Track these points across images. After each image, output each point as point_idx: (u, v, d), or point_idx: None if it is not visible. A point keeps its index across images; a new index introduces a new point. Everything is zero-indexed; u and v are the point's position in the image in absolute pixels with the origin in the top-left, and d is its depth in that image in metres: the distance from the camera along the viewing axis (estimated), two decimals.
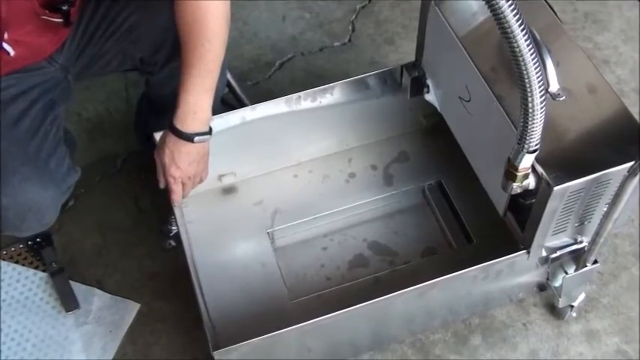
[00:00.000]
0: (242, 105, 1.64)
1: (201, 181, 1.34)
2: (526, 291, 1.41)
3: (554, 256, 1.25)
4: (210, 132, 1.26)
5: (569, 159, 1.10)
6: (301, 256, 1.48)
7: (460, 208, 1.50)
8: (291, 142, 1.52)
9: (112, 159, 1.71)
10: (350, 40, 1.94)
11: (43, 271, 1.54)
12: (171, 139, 1.23)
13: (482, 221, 1.46)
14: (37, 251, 1.56)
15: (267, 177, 1.56)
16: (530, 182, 1.10)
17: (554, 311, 1.45)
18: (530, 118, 0.97)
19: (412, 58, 1.45)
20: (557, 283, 1.34)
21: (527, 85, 0.93)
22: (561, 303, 1.37)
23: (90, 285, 1.52)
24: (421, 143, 1.61)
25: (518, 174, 1.06)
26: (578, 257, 1.28)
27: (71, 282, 1.51)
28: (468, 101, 1.27)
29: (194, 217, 1.46)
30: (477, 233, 1.46)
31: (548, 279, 1.34)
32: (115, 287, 1.53)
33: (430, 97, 1.43)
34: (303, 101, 1.42)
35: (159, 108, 1.48)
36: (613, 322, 1.44)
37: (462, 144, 1.36)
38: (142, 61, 1.36)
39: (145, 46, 1.32)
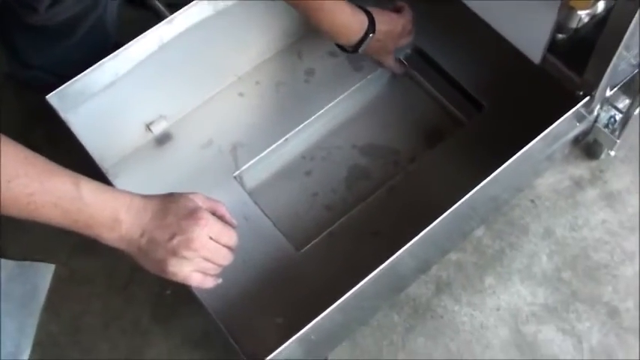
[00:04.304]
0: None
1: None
2: (563, 146, 1.15)
3: (610, 94, 0.99)
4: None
5: None
6: (284, 191, 1.15)
7: (452, 72, 1.20)
8: (223, 53, 1.15)
9: None
10: None
11: None
12: None
13: (483, 80, 1.17)
14: None
15: (208, 107, 1.19)
16: (599, 5, 0.80)
17: (589, 152, 1.20)
18: None
19: None
20: (602, 124, 1.10)
21: None
22: (617, 144, 1.12)
23: None
24: None
25: None
26: (628, 87, 1.03)
27: None
28: None
29: (130, 187, 1.07)
30: (483, 96, 1.18)
31: (596, 121, 1.08)
32: (22, 251, 1.19)
33: None
34: None
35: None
36: (634, 177, 1.19)
37: None
38: None
39: None
